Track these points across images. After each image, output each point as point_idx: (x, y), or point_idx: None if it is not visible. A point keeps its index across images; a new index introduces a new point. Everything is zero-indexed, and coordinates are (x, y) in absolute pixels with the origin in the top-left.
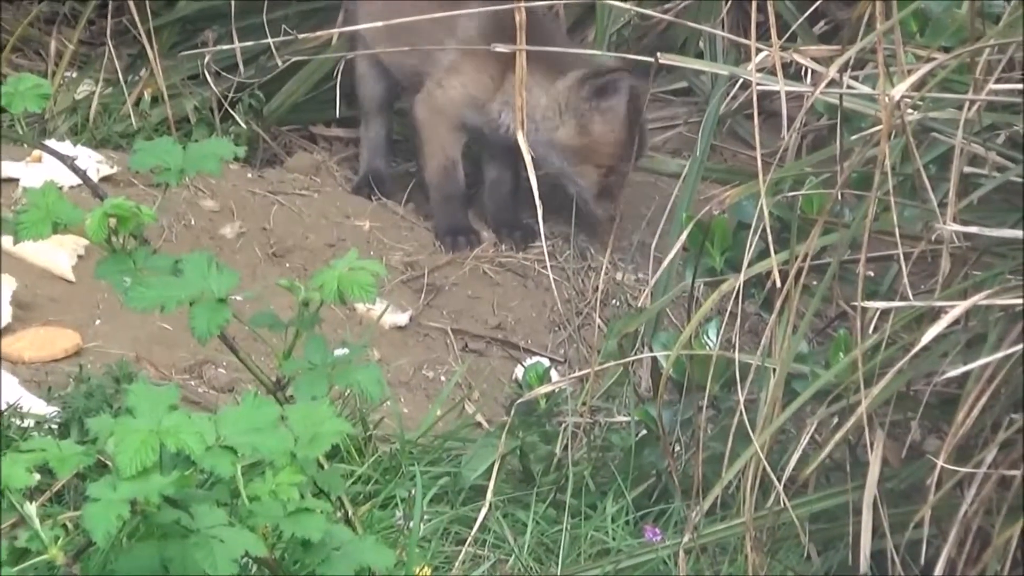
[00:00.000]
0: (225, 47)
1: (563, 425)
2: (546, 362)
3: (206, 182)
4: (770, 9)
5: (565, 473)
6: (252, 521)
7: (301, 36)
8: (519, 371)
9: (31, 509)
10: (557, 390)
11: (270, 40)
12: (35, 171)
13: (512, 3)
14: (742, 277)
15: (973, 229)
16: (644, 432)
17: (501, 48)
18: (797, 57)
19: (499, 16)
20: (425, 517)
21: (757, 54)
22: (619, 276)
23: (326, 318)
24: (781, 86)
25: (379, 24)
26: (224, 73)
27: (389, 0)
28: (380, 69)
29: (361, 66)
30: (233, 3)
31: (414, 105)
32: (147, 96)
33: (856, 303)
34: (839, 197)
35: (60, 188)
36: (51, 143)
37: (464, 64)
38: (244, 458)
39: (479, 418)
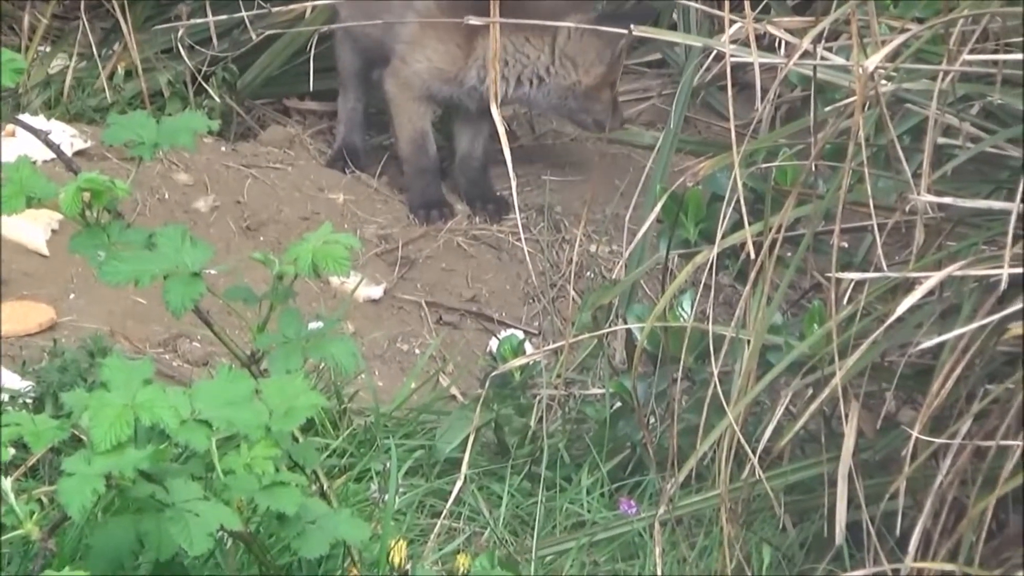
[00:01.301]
0: (199, 20)
1: (537, 398)
2: (520, 334)
3: (180, 156)
4: None
5: (540, 445)
6: (227, 495)
7: (275, 9)
8: (493, 343)
9: (6, 484)
10: (531, 362)
11: (244, 13)
12: (9, 145)
13: None
14: (716, 249)
15: (947, 200)
16: (619, 404)
17: (475, 21)
18: (771, 29)
19: None
20: (400, 490)
21: (731, 26)
22: (593, 248)
23: (300, 291)
24: (755, 58)
25: None
26: (198, 47)
27: None
28: (354, 40)
29: (338, 36)
30: None
31: (383, 79)
32: (121, 70)
33: (830, 274)
34: (813, 168)
35: (34, 162)
36: (25, 117)
37: (426, 37)
38: (219, 432)
39: (454, 391)
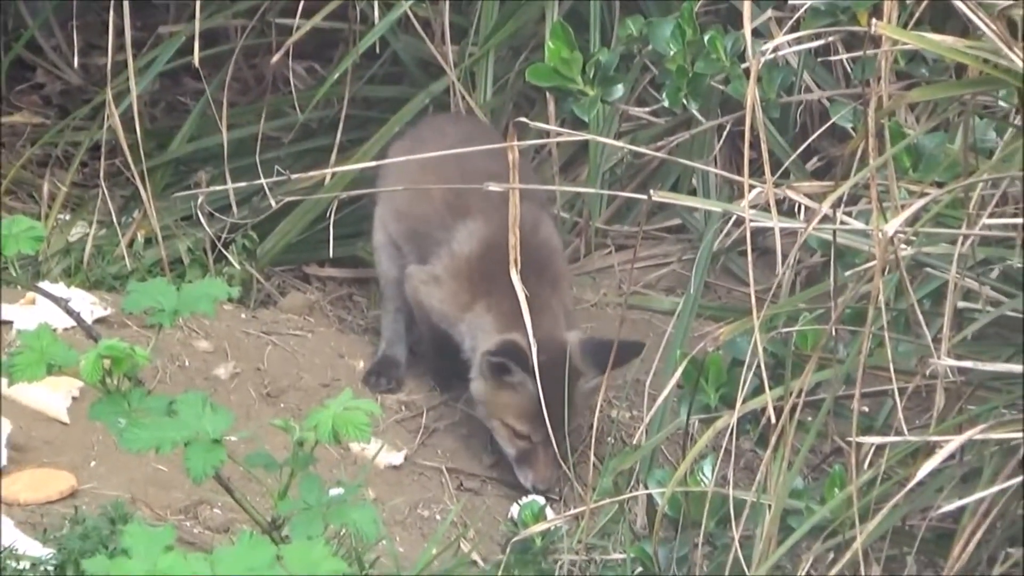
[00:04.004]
0: (218, 188)
1: (559, 563)
2: (541, 500)
3: (200, 323)
4: (763, 146)
5: None
6: None
7: (294, 176)
8: (514, 509)
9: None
10: (553, 528)
11: (263, 181)
12: (29, 313)
13: (506, 143)
14: (736, 414)
15: (968, 364)
16: (640, 569)
17: (495, 187)
18: (790, 193)
19: (494, 235)
20: None
21: (750, 191)
22: (614, 413)
23: (321, 458)
24: (775, 222)
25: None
26: (217, 214)
27: (411, 186)
28: (396, 248)
29: (378, 238)
30: (226, 144)
31: (405, 278)
32: (140, 238)
33: (851, 438)
34: (833, 333)
35: (54, 330)
36: (45, 285)
37: (445, 279)
38: None
39: (475, 556)
